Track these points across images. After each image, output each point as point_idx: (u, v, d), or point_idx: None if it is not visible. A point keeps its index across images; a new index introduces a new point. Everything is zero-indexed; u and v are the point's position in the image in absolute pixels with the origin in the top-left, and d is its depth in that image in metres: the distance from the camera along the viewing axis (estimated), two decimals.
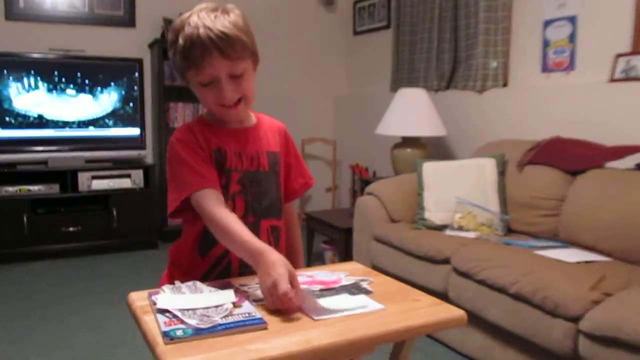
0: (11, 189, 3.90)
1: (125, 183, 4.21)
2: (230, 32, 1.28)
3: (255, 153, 1.42)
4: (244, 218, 1.38)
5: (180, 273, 1.37)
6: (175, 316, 1.04)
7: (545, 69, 3.31)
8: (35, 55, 4.07)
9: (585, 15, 3.07)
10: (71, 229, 4.05)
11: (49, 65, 4.07)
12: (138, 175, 4.25)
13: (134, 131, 4.35)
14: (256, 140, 1.44)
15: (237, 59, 1.29)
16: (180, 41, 1.28)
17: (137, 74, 4.33)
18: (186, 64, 1.30)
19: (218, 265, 1.38)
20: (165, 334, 0.97)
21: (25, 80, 3.99)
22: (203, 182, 1.30)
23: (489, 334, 2.33)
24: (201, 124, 1.41)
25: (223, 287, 1.20)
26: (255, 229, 1.40)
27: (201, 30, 1.26)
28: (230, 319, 1.03)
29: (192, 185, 1.29)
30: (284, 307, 1.08)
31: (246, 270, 1.38)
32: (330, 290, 1.22)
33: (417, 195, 3.06)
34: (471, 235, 2.75)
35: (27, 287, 3.44)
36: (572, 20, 3.13)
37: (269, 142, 1.47)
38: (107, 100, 4.25)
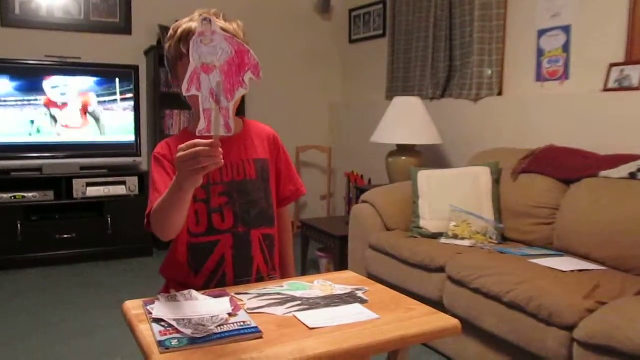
0: (5, 196, 3.88)
1: (120, 190, 4.20)
2: (228, 28, 1.31)
3: (240, 162, 1.42)
4: (233, 229, 1.38)
5: (177, 290, 1.37)
6: (170, 325, 1.04)
7: (540, 78, 3.33)
8: (31, 62, 4.07)
9: (579, 25, 3.09)
10: (65, 236, 4.03)
11: (45, 72, 4.07)
12: (133, 182, 4.25)
13: (129, 138, 4.34)
14: (241, 148, 1.44)
15: None
16: (178, 32, 1.34)
17: (132, 81, 4.33)
18: (177, 53, 1.34)
19: (213, 279, 1.38)
20: (160, 344, 0.97)
21: (20, 86, 3.98)
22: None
23: (484, 343, 2.33)
24: (181, 138, 1.42)
25: (218, 296, 1.20)
26: (246, 239, 1.40)
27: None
28: (225, 328, 1.03)
29: (151, 202, 1.29)
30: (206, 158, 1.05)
31: (241, 280, 1.39)
32: (326, 300, 1.22)
33: (412, 204, 3.07)
34: (466, 243, 2.76)
35: (20, 294, 3.42)
36: (566, 30, 3.15)
37: (256, 149, 1.46)
38: (103, 107, 4.24)
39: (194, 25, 1.32)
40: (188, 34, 1.31)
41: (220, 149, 1.05)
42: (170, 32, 1.38)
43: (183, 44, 1.32)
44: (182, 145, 1.06)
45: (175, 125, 4.49)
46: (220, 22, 1.31)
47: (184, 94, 1.07)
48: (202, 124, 1.05)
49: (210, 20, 1.05)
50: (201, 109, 1.05)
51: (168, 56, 1.40)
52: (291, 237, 1.66)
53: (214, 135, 1.05)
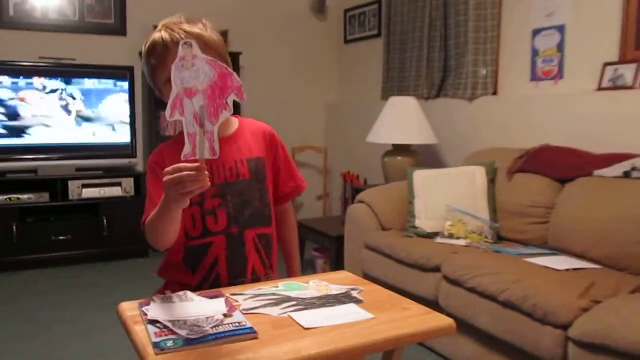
0: (0, 198, 3.87)
1: (115, 191, 4.19)
2: (192, 31, 1.33)
3: (233, 162, 1.41)
4: (226, 230, 1.38)
5: (173, 290, 1.37)
6: (165, 326, 1.04)
7: (534, 77, 3.34)
8: (26, 64, 4.05)
9: (574, 24, 3.10)
10: (61, 237, 4.02)
11: (39, 73, 4.06)
12: (129, 183, 4.24)
13: (125, 139, 4.33)
14: (234, 148, 1.43)
15: None
16: (147, 46, 1.36)
17: (127, 82, 4.32)
18: (149, 65, 1.36)
19: (207, 280, 1.38)
20: (155, 345, 0.97)
21: (15, 88, 3.97)
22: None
23: (479, 341, 2.34)
24: (175, 143, 1.41)
25: (213, 296, 1.20)
26: (239, 240, 1.40)
27: (162, 32, 1.34)
28: (220, 329, 1.03)
29: (146, 211, 1.32)
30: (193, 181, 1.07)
31: (235, 281, 1.39)
32: (321, 300, 1.22)
33: (407, 203, 3.08)
34: (461, 242, 2.77)
35: (15, 296, 3.41)
36: (560, 29, 3.16)
37: (250, 148, 1.45)
38: (98, 108, 4.23)
39: (157, 35, 1.34)
40: (154, 46, 1.34)
41: (206, 172, 1.07)
42: (143, 46, 1.39)
43: (151, 56, 1.35)
44: (168, 169, 1.08)
45: (171, 126, 4.48)
46: (184, 26, 1.33)
47: (168, 119, 1.08)
48: (187, 148, 1.07)
49: (190, 44, 1.06)
50: (185, 133, 1.06)
51: (144, 69, 1.42)
52: (295, 233, 1.65)
53: (199, 159, 1.06)
